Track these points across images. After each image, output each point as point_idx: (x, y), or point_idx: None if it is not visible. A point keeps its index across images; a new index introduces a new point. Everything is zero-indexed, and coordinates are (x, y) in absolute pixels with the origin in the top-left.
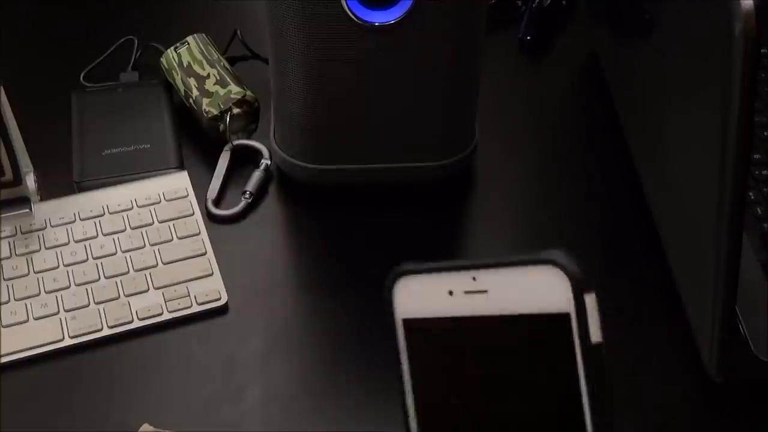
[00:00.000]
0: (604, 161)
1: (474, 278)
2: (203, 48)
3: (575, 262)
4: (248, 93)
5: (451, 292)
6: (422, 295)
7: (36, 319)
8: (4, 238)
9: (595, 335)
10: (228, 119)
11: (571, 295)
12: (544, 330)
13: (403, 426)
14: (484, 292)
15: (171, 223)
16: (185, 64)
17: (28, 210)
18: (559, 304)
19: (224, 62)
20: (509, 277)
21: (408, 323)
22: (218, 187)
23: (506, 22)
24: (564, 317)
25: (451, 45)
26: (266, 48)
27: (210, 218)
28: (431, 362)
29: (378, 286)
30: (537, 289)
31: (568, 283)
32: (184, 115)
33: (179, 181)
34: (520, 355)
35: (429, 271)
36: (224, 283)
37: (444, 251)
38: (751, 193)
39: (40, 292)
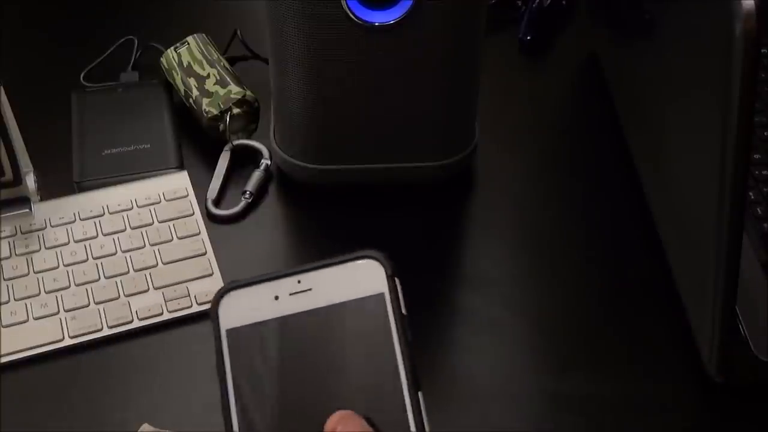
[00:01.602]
0: (604, 161)
1: (299, 281)
2: (203, 48)
3: (387, 255)
4: (248, 93)
5: (277, 297)
6: (248, 305)
7: (36, 319)
8: (4, 238)
9: (404, 308)
10: (228, 119)
11: (384, 278)
12: (363, 310)
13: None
14: (309, 290)
15: (171, 223)
16: (185, 64)
17: (28, 210)
18: (375, 287)
19: (224, 62)
20: (330, 274)
21: (232, 333)
22: (218, 187)
23: (506, 22)
24: (379, 297)
25: (451, 45)
26: (266, 48)
27: (210, 218)
28: (257, 369)
29: None
30: (354, 278)
31: (381, 270)
32: (184, 115)
33: (179, 181)
34: (344, 338)
35: (254, 282)
36: (224, 283)
37: (444, 251)
38: (751, 193)
39: (40, 292)
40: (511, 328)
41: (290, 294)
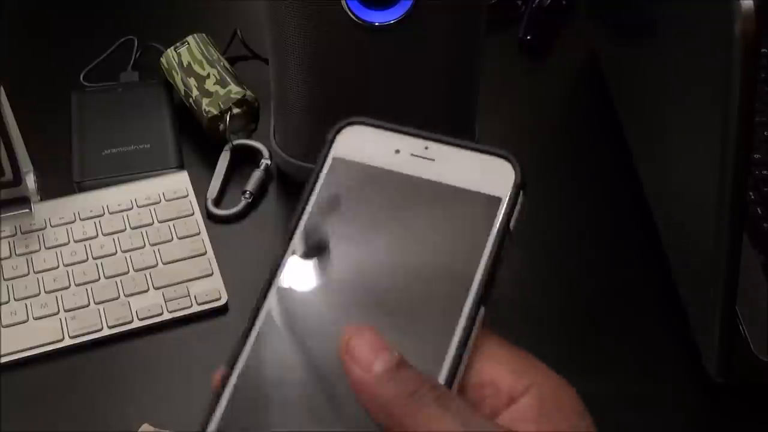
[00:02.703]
0: (604, 161)
1: (426, 147)
2: (203, 48)
3: (524, 166)
4: (248, 93)
5: (398, 151)
6: (367, 144)
7: (36, 319)
8: (4, 238)
9: (513, 224)
10: (228, 119)
11: (510, 185)
12: (473, 206)
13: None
14: (432, 160)
15: (171, 223)
16: (185, 64)
17: (28, 210)
18: (497, 189)
19: (224, 62)
20: (460, 156)
21: (338, 162)
22: (218, 187)
23: (506, 22)
24: (496, 201)
25: (451, 45)
26: (266, 48)
27: (210, 218)
28: (339, 206)
29: None
30: (482, 171)
31: (512, 175)
32: (184, 115)
33: (179, 181)
34: (440, 223)
35: (383, 127)
36: (224, 283)
37: None
38: (751, 193)
39: (40, 292)
40: (511, 328)
41: (412, 155)
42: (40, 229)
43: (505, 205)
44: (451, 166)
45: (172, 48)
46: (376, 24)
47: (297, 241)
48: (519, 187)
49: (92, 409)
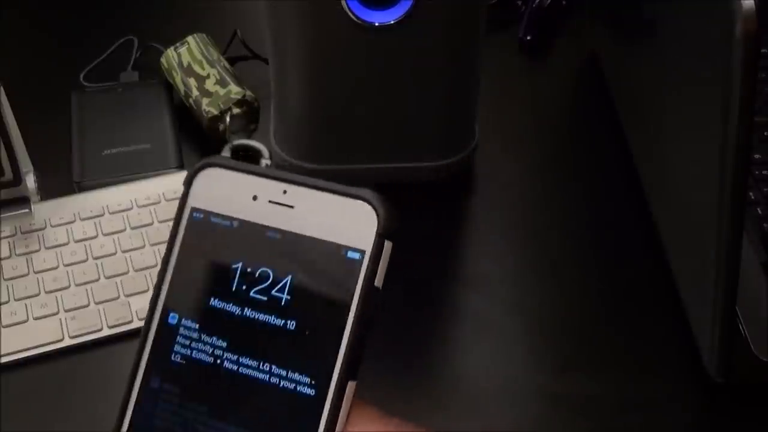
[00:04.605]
0: (604, 161)
1: (285, 191)
2: (203, 48)
3: (389, 207)
4: (248, 93)
5: (255, 197)
6: (224, 190)
7: (36, 319)
8: (4, 238)
9: (379, 280)
10: (228, 119)
11: (372, 235)
12: (333, 263)
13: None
14: (291, 206)
15: (171, 224)
16: (185, 64)
17: (28, 210)
18: (360, 239)
19: (224, 62)
20: (320, 200)
21: (196, 212)
22: None
23: (506, 22)
24: (359, 255)
25: (451, 45)
26: (266, 48)
27: None
28: (204, 260)
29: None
30: (343, 218)
31: (374, 223)
32: (184, 115)
33: (179, 181)
34: (299, 282)
35: (240, 169)
36: None
37: (444, 251)
38: (751, 193)
39: (40, 292)
40: (511, 328)
41: (270, 201)
42: (40, 229)
43: (366, 262)
44: (311, 213)
45: (172, 48)
46: (376, 24)
47: (155, 314)
48: (382, 236)
49: (92, 409)
